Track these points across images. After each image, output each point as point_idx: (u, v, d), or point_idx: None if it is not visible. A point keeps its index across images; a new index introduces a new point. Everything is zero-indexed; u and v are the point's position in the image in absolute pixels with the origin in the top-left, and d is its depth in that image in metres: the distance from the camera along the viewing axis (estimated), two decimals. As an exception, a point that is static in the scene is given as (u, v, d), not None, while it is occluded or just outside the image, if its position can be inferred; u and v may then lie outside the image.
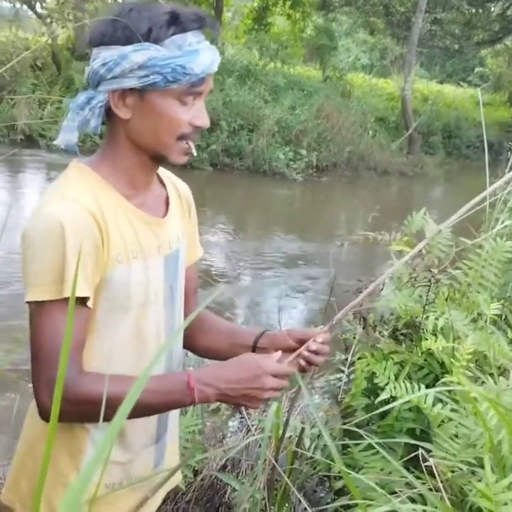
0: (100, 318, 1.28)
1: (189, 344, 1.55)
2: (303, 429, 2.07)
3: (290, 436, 2.24)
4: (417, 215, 2.54)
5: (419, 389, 1.84)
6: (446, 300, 2.34)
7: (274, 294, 6.41)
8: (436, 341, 2.08)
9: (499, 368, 2.28)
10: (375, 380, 2.01)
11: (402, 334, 2.26)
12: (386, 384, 1.98)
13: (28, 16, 15.38)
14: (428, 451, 1.69)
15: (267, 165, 12.62)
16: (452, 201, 13.20)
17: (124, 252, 1.28)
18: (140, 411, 1.24)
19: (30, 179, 10.58)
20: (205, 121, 1.30)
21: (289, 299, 6.22)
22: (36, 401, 1.24)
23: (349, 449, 1.98)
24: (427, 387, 1.96)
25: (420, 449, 1.62)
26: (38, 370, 1.21)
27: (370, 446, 1.92)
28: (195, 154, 1.33)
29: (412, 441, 1.77)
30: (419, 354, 2.12)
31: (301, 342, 1.41)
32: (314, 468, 2.14)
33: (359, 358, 2.16)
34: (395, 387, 1.85)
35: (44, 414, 1.23)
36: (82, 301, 1.22)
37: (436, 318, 2.19)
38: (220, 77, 13.63)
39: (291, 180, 12.47)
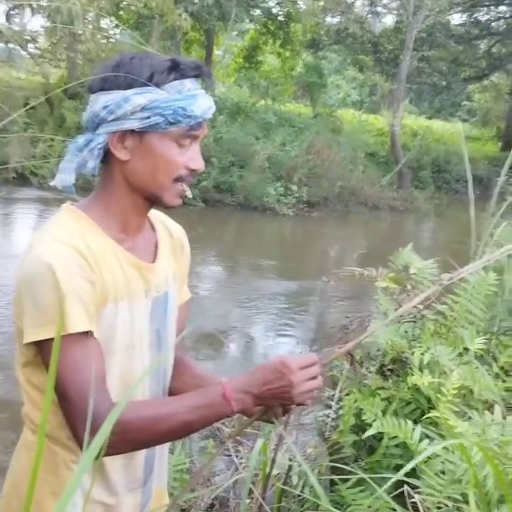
0: None
1: None
2: (290, 467, 2.07)
3: (278, 473, 2.24)
4: (402, 251, 2.57)
5: (406, 424, 1.84)
6: (432, 335, 2.36)
7: (263, 329, 6.43)
8: (422, 377, 2.09)
9: (485, 402, 2.29)
10: (363, 417, 2.01)
11: (389, 370, 2.27)
12: (373, 420, 1.98)
13: (21, 55, 15.58)
14: (415, 487, 1.69)
15: (258, 200, 12.71)
16: (442, 235, 13.30)
17: (113, 293, 1.30)
18: (183, 429, 1.26)
19: (22, 217, 10.62)
20: (200, 165, 1.33)
21: (277, 335, 6.22)
22: (76, 439, 1.24)
23: (337, 486, 1.97)
24: (414, 422, 1.96)
25: (405, 485, 1.62)
26: (70, 409, 1.21)
27: (357, 483, 1.92)
28: (190, 196, 1.35)
29: (399, 477, 1.77)
30: (406, 390, 2.13)
31: None
32: (302, 506, 2.13)
33: (347, 395, 2.17)
34: (382, 424, 1.86)
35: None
36: (90, 333, 1.23)
37: (422, 354, 2.21)
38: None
39: (282, 215, 12.56)
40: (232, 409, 1.25)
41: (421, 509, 1.56)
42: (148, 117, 1.27)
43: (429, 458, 1.89)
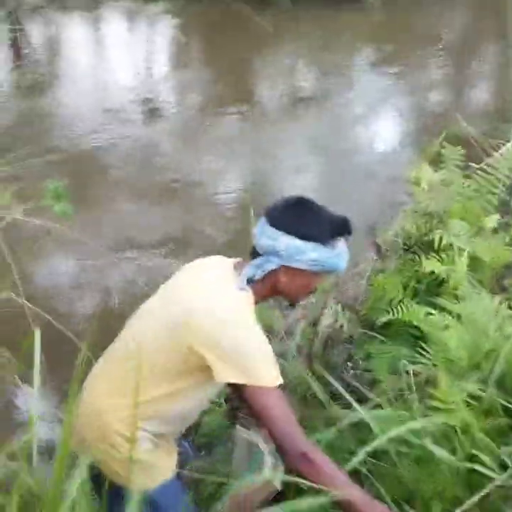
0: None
1: None
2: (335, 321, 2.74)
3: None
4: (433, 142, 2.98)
5: (417, 310, 2.42)
6: (453, 216, 2.82)
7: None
8: (438, 260, 2.62)
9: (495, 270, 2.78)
10: (387, 295, 2.61)
11: (412, 252, 2.78)
12: (395, 297, 2.59)
13: None
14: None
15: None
16: None
17: None
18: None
19: (111, 30, 10.55)
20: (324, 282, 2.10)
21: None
22: (285, 455, 1.85)
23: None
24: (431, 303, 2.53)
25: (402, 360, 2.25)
26: (290, 435, 1.81)
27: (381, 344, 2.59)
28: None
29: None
30: (422, 272, 2.66)
31: None
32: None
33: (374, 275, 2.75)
34: (396, 312, 2.45)
35: (292, 463, 1.83)
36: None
37: (441, 237, 2.70)
38: None
39: (369, 5, 12.07)
40: None
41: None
42: (314, 265, 1.87)
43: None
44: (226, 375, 1.82)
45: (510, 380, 2.11)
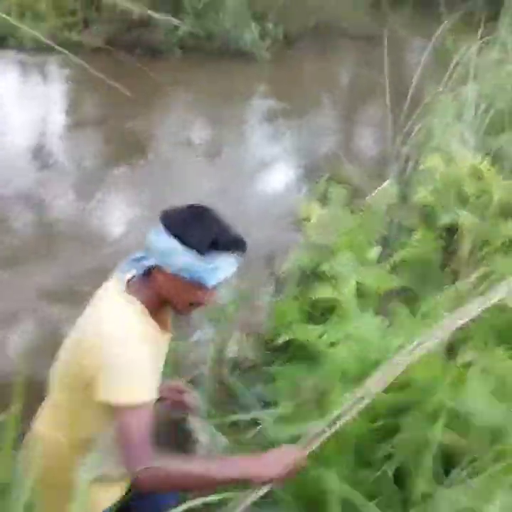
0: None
1: None
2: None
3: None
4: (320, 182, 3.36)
5: (310, 329, 2.75)
6: (342, 248, 3.20)
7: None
8: (327, 287, 2.97)
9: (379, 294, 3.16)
10: (286, 320, 2.93)
11: (308, 281, 3.13)
12: (293, 321, 2.91)
13: None
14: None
15: (235, 45, 12.79)
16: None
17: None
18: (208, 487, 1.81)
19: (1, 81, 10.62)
20: (206, 302, 1.89)
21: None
22: (129, 471, 1.75)
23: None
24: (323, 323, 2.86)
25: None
26: (130, 454, 1.75)
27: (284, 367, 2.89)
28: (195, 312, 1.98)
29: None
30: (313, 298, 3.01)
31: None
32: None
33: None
34: (292, 331, 2.76)
35: (136, 482, 1.77)
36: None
37: (330, 267, 3.07)
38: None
39: (260, 58, 12.67)
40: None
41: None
42: (182, 271, 1.80)
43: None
44: (98, 393, 1.79)
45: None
